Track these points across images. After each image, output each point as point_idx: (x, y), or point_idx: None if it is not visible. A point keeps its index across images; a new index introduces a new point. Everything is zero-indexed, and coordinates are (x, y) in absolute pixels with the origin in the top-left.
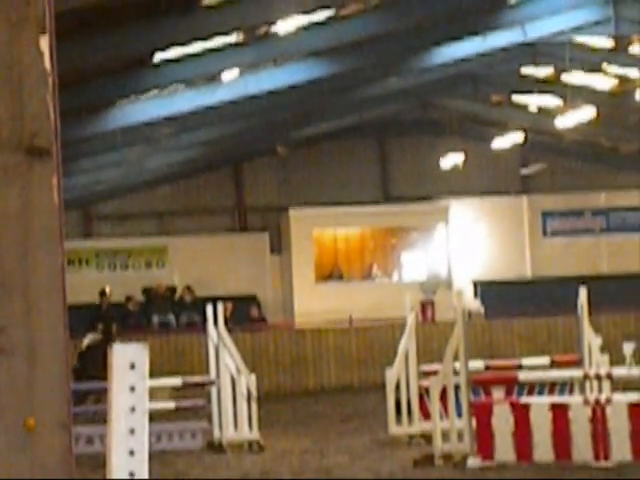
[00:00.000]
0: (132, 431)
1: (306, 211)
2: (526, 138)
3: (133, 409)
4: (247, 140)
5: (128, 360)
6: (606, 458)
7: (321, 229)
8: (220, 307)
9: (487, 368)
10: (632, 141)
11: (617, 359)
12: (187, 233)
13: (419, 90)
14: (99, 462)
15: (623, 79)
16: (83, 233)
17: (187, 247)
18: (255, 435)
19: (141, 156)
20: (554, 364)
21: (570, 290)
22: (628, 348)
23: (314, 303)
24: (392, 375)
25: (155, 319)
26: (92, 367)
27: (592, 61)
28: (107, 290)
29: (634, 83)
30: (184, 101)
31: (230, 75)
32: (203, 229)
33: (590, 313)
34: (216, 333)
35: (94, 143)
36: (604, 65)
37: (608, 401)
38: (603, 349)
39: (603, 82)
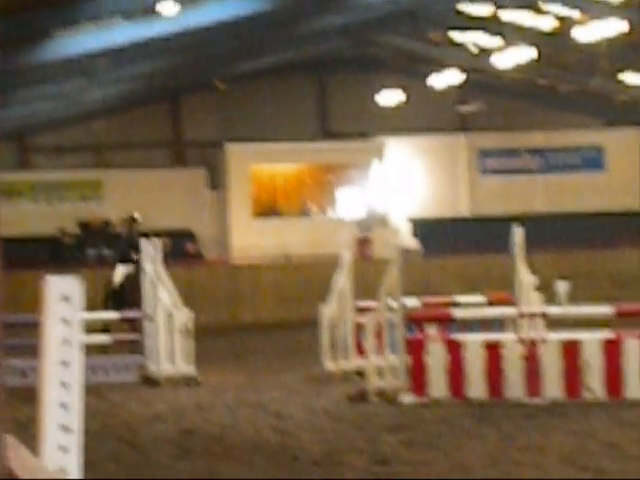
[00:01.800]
0: (65, 363)
1: (244, 147)
2: (465, 77)
3: (66, 341)
4: (186, 74)
5: (61, 292)
6: (538, 395)
7: (259, 165)
8: (159, 242)
9: (422, 305)
10: (570, 81)
11: (551, 298)
12: (124, 167)
13: (358, 27)
14: (33, 395)
15: (563, 19)
16: (19, 165)
17: (123, 181)
18: (191, 370)
19: (78, 89)
20: (489, 302)
21: (506, 229)
22: (561, 287)
23: (251, 239)
24: (327, 311)
25: (90, 252)
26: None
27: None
28: (137, 216)
29: (573, 23)
30: (122, 34)
31: (169, 8)
32: (140, 163)
33: (525, 252)
34: (152, 268)
35: (31, 74)
36: (540, 4)
37: (541, 339)
38: (538, 288)
39: (543, 22)
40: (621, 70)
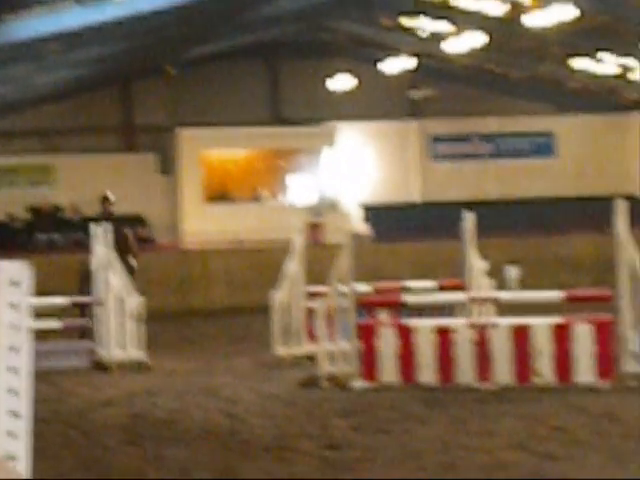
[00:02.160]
0: (14, 349)
1: (195, 132)
2: (416, 62)
3: (15, 326)
4: (136, 59)
5: (10, 277)
6: (489, 381)
7: (210, 150)
8: (107, 227)
9: (374, 291)
10: (521, 67)
11: (502, 283)
12: (74, 152)
13: (310, 12)
14: None
15: (514, 5)
16: None
17: (74, 166)
18: (141, 355)
19: (28, 73)
20: (440, 287)
21: (457, 214)
22: (511, 272)
23: (202, 224)
24: (278, 297)
25: (40, 238)
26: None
27: None
28: (110, 195)
29: (525, 9)
30: (73, 18)
31: None
32: (91, 148)
33: (476, 237)
34: (102, 253)
35: None
36: None
37: (492, 324)
38: (488, 273)
39: (494, 7)
40: (572, 56)
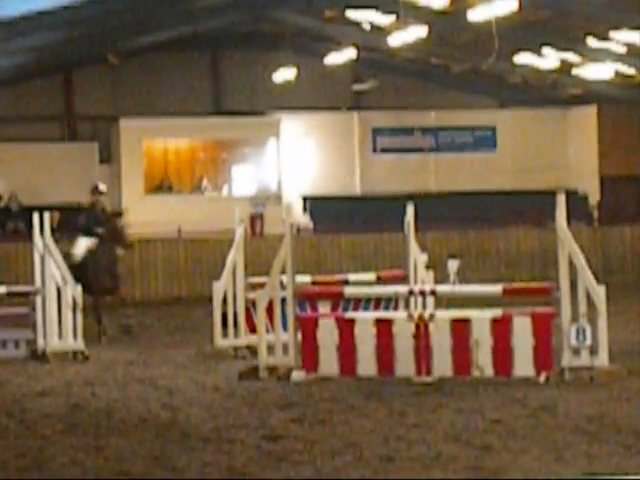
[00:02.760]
0: None
1: (136, 121)
2: (359, 55)
3: None
4: (78, 47)
5: None
6: (428, 373)
7: (151, 140)
8: (47, 216)
9: (314, 283)
10: (463, 60)
11: (442, 276)
12: (14, 140)
13: (253, 2)
14: None
15: None
16: None
17: (14, 155)
18: (79, 345)
19: None
20: (380, 280)
21: (398, 207)
22: (452, 265)
23: (143, 215)
24: (219, 288)
25: None
26: (105, 279)
27: None
28: (101, 187)
29: (468, 2)
30: (13, 5)
31: None
32: (31, 137)
33: (417, 230)
34: (42, 242)
35: None
36: None
37: (431, 317)
38: (429, 266)
39: (436, 0)
40: (514, 50)
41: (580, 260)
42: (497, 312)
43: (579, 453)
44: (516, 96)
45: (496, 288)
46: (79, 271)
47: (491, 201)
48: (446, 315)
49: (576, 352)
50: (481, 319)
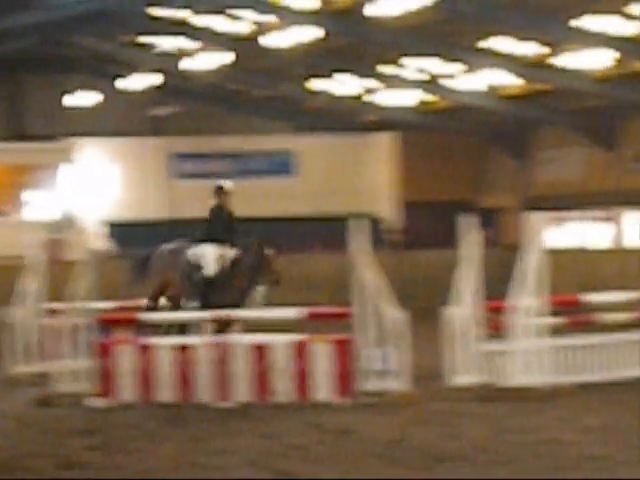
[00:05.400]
0: None
1: None
2: (159, 80)
3: None
4: None
5: None
6: (228, 399)
7: None
8: None
9: (114, 308)
10: (263, 86)
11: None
12: None
13: (51, 26)
14: None
15: (258, 24)
16: None
17: None
18: None
19: None
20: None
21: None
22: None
23: None
24: (13, 314)
25: None
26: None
27: (219, 3)
28: (227, 186)
29: (267, 29)
30: None
31: None
32: None
33: None
34: None
35: None
36: (232, 10)
37: (232, 342)
38: None
39: (237, 27)
40: (312, 76)
41: (373, 286)
42: (297, 337)
43: (375, 476)
44: (315, 122)
45: (297, 312)
46: (212, 288)
47: (290, 226)
48: (247, 340)
49: (374, 376)
50: (281, 344)
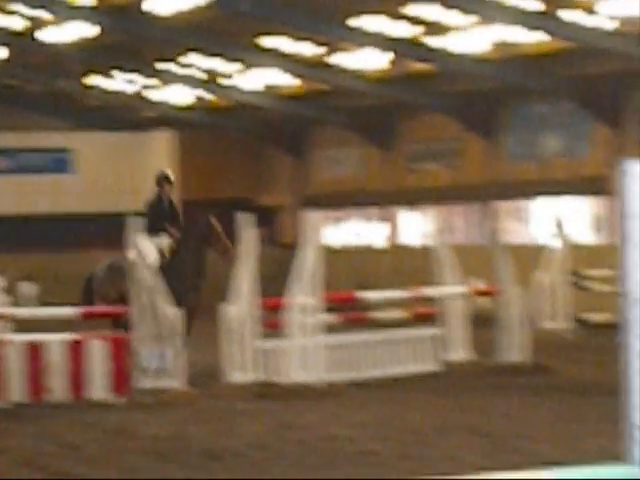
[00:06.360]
0: None
1: None
2: None
3: None
4: None
5: None
6: (2, 399)
7: None
8: None
9: None
10: (39, 82)
11: (18, 299)
12: None
13: None
14: None
15: (32, 19)
16: None
17: None
18: None
19: None
20: None
21: None
22: (26, 288)
23: None
24: None
25: None
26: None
27: None
28: (170, 175)
29: (42, 24)
30: None
31: None
32: None
33: None
34: None
35: None
36: (5, 4)
37: (6, 341)
38: (5, 290)
39: (13, 21)
40: (88, 73)
41: (150, 284)
42: (73, 336)
43: (150, 475)
44: (93, 119)
45: (73, 311)
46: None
47: (68, 223)
48: (21, 339)
49: (151, 375)
50: (55, 343)
